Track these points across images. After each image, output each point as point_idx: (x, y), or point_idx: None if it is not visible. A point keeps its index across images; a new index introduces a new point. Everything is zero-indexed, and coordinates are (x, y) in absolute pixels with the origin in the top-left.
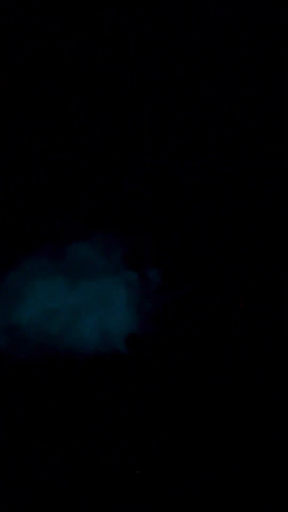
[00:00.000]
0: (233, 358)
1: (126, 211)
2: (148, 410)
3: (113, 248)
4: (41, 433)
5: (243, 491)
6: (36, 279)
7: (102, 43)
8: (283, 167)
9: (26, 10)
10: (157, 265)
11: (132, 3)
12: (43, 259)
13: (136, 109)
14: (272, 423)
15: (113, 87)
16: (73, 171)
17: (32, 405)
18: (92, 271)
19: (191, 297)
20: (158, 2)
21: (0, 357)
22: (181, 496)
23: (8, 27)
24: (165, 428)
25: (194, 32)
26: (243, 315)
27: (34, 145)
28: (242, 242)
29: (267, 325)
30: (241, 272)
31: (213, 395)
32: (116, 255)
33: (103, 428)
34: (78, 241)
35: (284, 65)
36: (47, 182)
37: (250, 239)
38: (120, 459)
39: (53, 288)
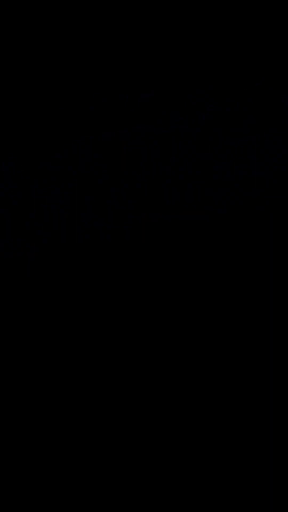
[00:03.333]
0: (233, 356)
1: None
2: (148, 409)
3: None
4: (40, 431)
5: (243, 491)
6: None
7: (102, 42)
8: None
9: (26, 10)
10: None
11: (132, 3)
12: None
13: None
14: (272, 424)
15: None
16: None
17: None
18: None
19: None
20: (158, 2)
21: None
22: (181, 496)
23: (8, 27)
24: (165, 428)
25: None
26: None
27: None
28: None
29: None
30: None
31: (213, 395)
32: None
33: (103, 428)
34: None
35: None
36: None
37: None
38: (121, 459)
39: None
